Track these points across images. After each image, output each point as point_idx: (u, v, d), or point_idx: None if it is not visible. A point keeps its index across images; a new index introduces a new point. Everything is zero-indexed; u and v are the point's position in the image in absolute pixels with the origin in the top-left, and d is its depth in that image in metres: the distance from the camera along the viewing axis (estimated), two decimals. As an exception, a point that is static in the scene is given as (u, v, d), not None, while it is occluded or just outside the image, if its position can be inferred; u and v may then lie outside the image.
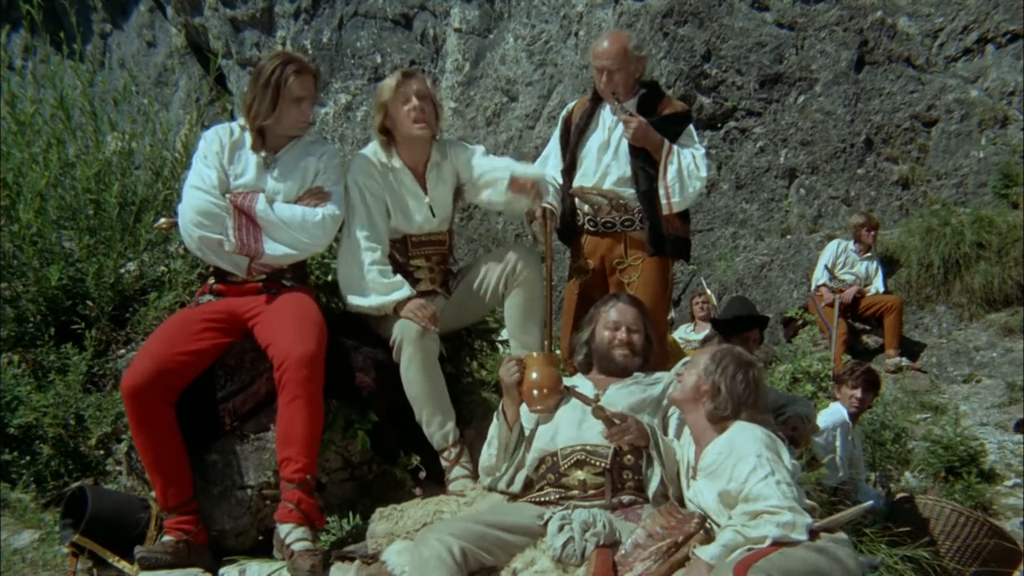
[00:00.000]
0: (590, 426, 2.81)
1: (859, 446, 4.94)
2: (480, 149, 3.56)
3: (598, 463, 2.77)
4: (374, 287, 3.22)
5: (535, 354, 3.04)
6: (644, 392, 3.01)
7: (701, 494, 2.59)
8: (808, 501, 2.53)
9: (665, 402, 3.00)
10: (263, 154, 3.19)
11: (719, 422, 2.64)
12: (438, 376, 3.24)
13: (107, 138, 4.21)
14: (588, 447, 2.80)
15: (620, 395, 2.97)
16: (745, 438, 2.55)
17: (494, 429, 3.07)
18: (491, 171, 3.47)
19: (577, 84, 9.10)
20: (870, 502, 3.04)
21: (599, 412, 2.74)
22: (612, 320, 3.13)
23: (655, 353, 3.26)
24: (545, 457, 2.87)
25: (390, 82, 3.35)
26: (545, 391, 2.93)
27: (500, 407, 3.08)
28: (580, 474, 2.77)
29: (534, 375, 2.94)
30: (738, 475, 2.45)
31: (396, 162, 3.39)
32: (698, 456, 2.68)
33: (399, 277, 3.28)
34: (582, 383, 3.05)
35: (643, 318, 3.17)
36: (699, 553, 2.36)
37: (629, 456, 2.78)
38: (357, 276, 3.24)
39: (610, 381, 3.05)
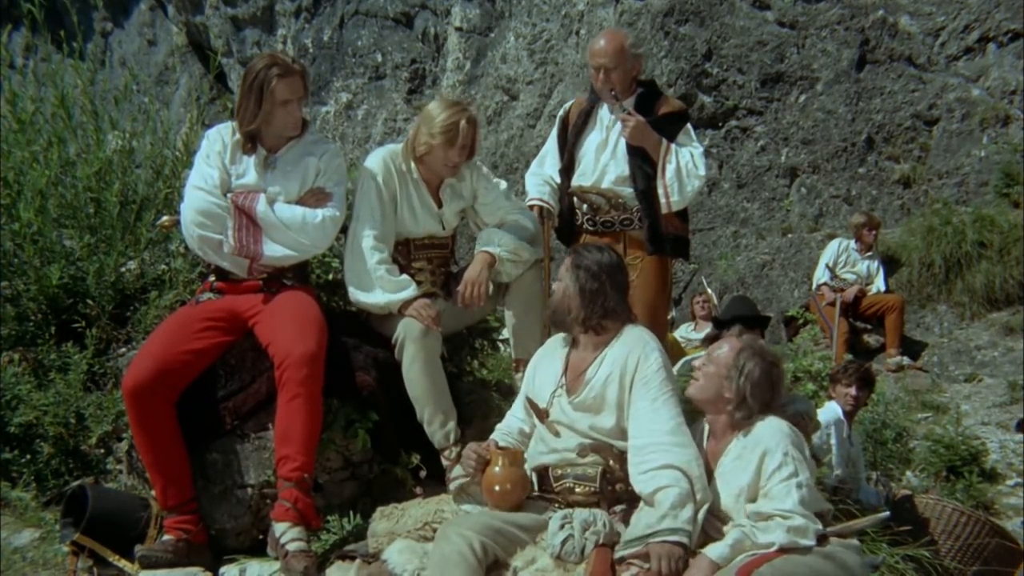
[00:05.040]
0: (569, 438, 2.78)
1: (857, 444, 4.93)
2: (501, 190, 3.54)
3: (588, 486, 2.72)
4: (381, 284, 3.22)
5: (507, 449, 2.81)
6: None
7: (715, 496, 2.59)
8: (825, 504, 2.53)
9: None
10: (264, 154, 3.19)
11: (744, 426, 2.63)
12: (440, 375, 3.24)
13: (108, 137, 4.21)
14: (576, 472, 2.74)
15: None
16: (773, 432, 2.54)
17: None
18: (488, 216, 3.50)
19: (578, 83, 9.10)
20: (886, 513, 3.01)
21: (586, 451, 2.71)
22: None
23: None
24: (537, 470, 2.83)
25: (448, 123, 3.24)
26: (508, 486, 2.70)
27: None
28: (573, 496, 2.74)
29: (497, 469, 2.72)
30: (765, 468, 2.46)
31: (414, 173, 3.39)
32: (713, 450, 2.67)
33: (406, 277, 3.28)
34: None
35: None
36: (706, 551, 2.36)
37: (620, 472, 2.72)
38: (364, 272, 3.23)
39: (584, 357, 2.88)
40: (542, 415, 2.82)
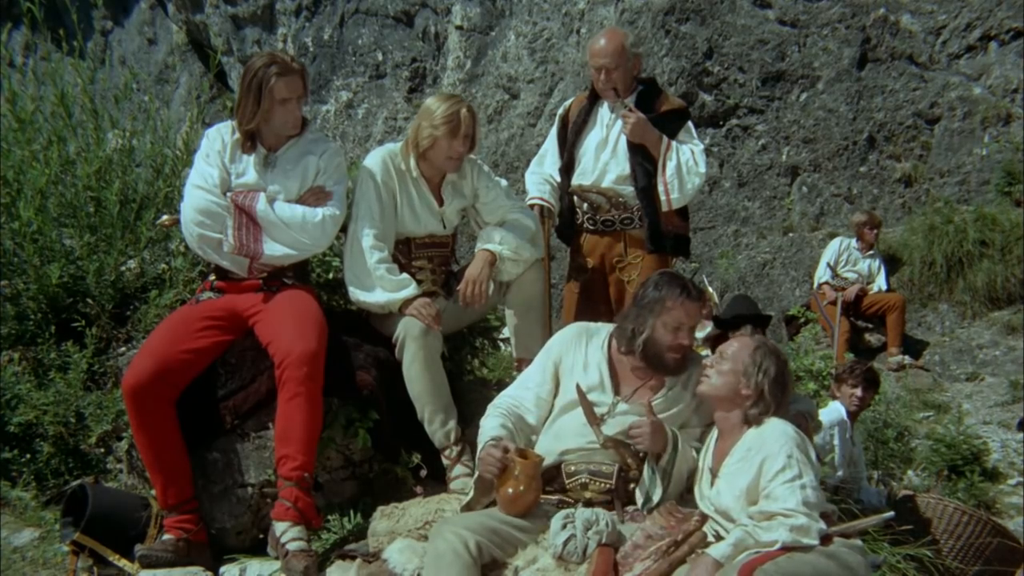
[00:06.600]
0: (593, 437, 2.79)
1: (859, 444, 4.92)
2: (502, 188, 3.52)
3: (603, 483, 2.76)
4: (381, 284, 3.21)
5: (527, 453, 2.71)
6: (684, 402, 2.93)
7: (720, 496, 2.58)
8: (828, 505, 2.52)
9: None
10: (264, 152, 3.18)
11: (755, 424, 2.62)
12: (440, 374, 3.24)
13: (108, 135, 4.20)
14: (591, 468, 2.77)
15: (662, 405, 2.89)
16: (777, 435, 2.53)
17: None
18: (489, 215, 3.49)
19: (579, 82, 9.08)
20: (890, 513, 3.01)
21: (608, 444, 2.73)
22: (678, 321, 2.84)
23: None
24: (548, 468, 2.82)
25: (449, 113, 3.25)
26: (522, 490, 2.61)
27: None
28: (586, 493, 2.76)
29: (514, 474, 2.61)
30: (765, 471, 2.45)
31: (414, 171, 3.38)
32: (721, 450, 2.67)
33: (406, 275, 3.28)
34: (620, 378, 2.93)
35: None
36: (708, 551, 2.36)
37: (635, 471, 2.76)
38: (364, 271, 3.23)
39: (648, 380, 2.91)
40: (595, 420, 2.79)
